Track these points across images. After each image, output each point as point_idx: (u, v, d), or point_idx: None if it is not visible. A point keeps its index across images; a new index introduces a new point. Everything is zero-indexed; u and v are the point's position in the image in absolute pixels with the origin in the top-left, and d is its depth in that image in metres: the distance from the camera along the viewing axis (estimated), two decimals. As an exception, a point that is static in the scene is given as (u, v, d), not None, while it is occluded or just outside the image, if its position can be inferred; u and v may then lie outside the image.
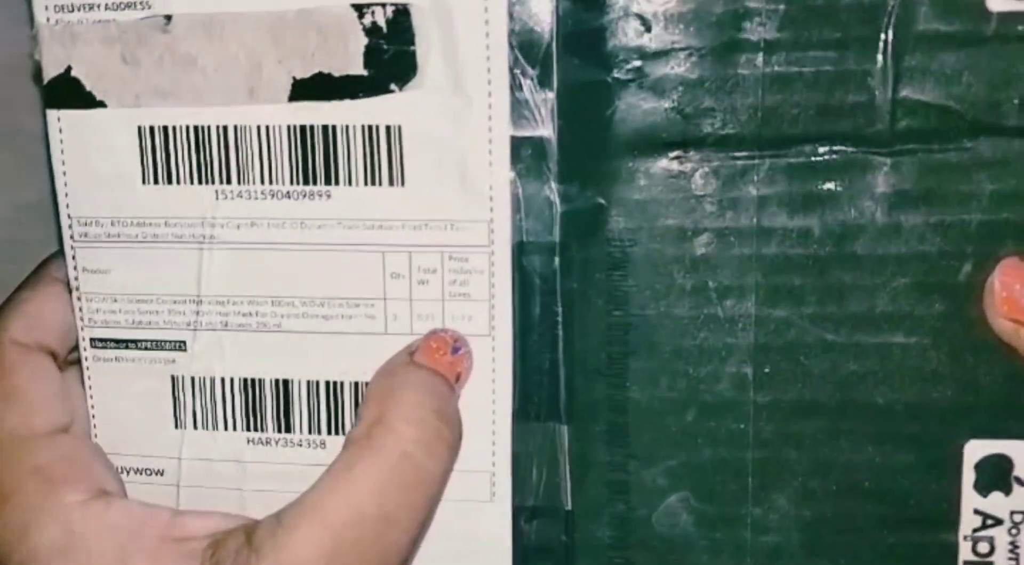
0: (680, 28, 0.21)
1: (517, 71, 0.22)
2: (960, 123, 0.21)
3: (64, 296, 0.25)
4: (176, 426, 0.25)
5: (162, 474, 0.25)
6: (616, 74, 0.22)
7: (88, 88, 0.23)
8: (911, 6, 0.21)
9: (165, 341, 0.24)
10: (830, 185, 0.22)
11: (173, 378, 0.24)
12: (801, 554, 0.23)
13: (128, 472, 0.25)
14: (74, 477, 0.24)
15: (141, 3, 0.22)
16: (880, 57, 0.21)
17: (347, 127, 0.22)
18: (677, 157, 0.22)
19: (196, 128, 0.23)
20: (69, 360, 0.25)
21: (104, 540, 0.23)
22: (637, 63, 0.22)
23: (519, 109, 0.22)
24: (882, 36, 0.21)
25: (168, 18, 0.22)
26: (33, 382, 0.24)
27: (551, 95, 0.22)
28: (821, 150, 0.22)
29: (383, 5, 0.22)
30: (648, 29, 0.21)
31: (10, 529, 0.23)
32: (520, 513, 0.24)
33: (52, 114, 0.23)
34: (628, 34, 0.22)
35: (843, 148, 0.21)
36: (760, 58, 0.21)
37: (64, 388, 0.25)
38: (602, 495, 0.24)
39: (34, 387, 0.24)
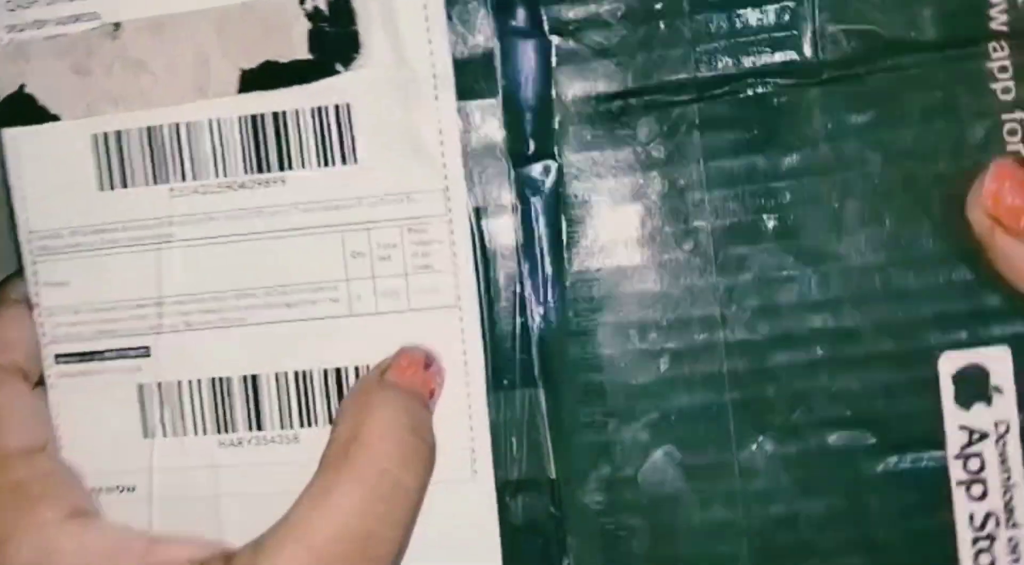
0: (599, 4, 0.23)
1: (458, 41, 0.23)
2: (881, 44, 0.22)
3: (27, 316, 0.24)
4: (145, 436, 0.24)
5: (133, 490, 0.24)
6: (554, 35, 0.23)
7: (41, 103, 0.24)
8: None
9: (129, 349, 0.24)
10: (769, 119, 0.22)
11: (139, 386, 0.24)
12: (793, 494, 0.23)
13: (100, 491, 0.24)
14: (50, 496, 0.23)
15: (89, 14, 0.23)
16: (798, -8, 0.22)
17: (296, 111, 0.23)
18: (620, 109, 0.23)
19: (149, 129, 0.23)
20: (40, 380, 0.25)
21: (79, 562, 0.22)
22: (573, 21, 0.23)
23: (463, 78, 0.23)
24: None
25: (117, 25, 0.23)
26: (6, 402, 0.24)
27: (494, 62, 0.23)
28: (756, 87, 0.22)
29: (323, -11, 0.23)
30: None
31: None
32: (505, 488, 0.23)
33: (7, 133, 0.24)
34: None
35: (776, 81, 0.22)
36: (686, 4, 0.22)
37: (38, 407, 0.24)
38: (585, 459, 0.23)
39: (7, 407, 0.24)
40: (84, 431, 0.24)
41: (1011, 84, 0.22)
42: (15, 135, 0.24)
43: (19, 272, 0.25)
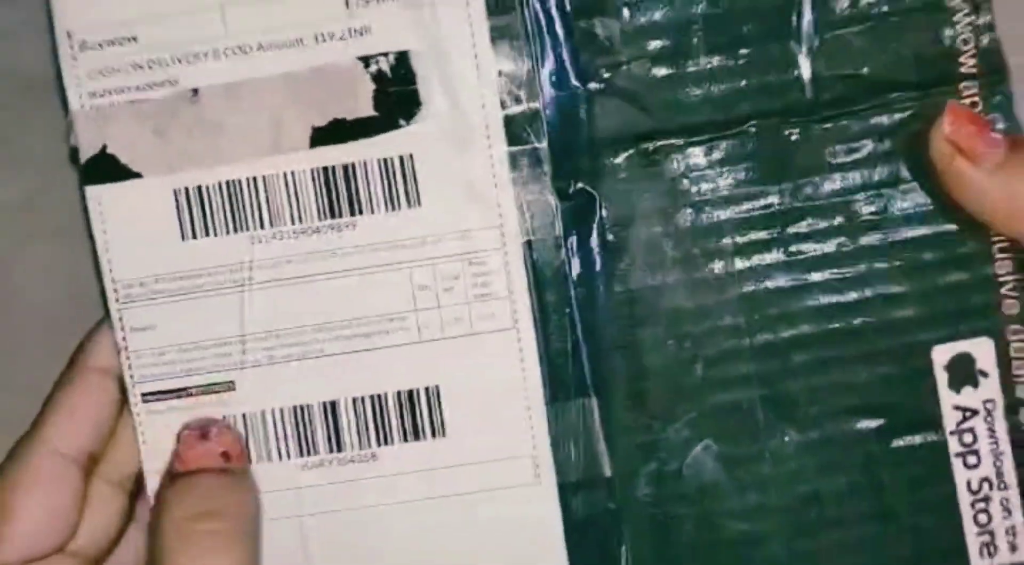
0: (635, 42, 0.26)
1: (507, 96, 0.26)
2: (868, 85, 0.26)
3: (105, 386, 0.26)
4: (233, 465, 0.26)
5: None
6: (590, 86, 0.26)
7: (124, 162, 0.26)
8: (813, 4, 0.26)
9: (214, 384, 0.26)
10: (779, 152, 0.26)
11: (224, 419, 0.26)
12: (817, 476, 0.26)
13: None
14: None
15: (169, 81, 0.26)
16: (797, 45, 0.26)
17: (364, 162, 0.26)
18: (649, 148, 0.26)
19: (228, 183, 0.26)
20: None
21: None
22: (605, 75, 0.26)
23: (512, 127, 0.26)
24: (796, 27, 0.26)
25: (195, 91, 0.26)
26: (38, 503, 0.25)
27: (538, 112, 0.26)
28: (766, 124, 0.26)
29: (385, 54, 0.25)
30: (611, 46, 0.26)
31: None
32: (565, 490, 0.26)
33: (91, 190, 0.26)
34: (594, 52, 0.26)
35: (783, 119, 0.26)
36: (703, 58, 0.26)
37: (74, 507, 0.25)
38: (636, 458, 0.26)
39: (33, 509, 0.25)
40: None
41: (979, 111, 0.26)
42: (99, 192, 0.26)
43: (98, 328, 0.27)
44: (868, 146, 0.26)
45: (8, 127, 0.30)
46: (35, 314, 0.30)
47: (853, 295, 0.26)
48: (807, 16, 0.26)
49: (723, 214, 0.26)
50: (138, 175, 0.26)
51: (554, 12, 0.26)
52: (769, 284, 0.26)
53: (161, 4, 0.25)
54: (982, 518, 0.26)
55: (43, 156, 0.29)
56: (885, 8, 0.26)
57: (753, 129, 0.26)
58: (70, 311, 0.28)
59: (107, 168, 0.26)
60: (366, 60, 0.25)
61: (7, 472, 0.25)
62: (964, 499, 0.26)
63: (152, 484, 0.26)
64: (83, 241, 0.26)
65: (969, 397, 0.26)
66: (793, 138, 0.26)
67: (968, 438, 0.26)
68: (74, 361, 0.27)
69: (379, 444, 0.26)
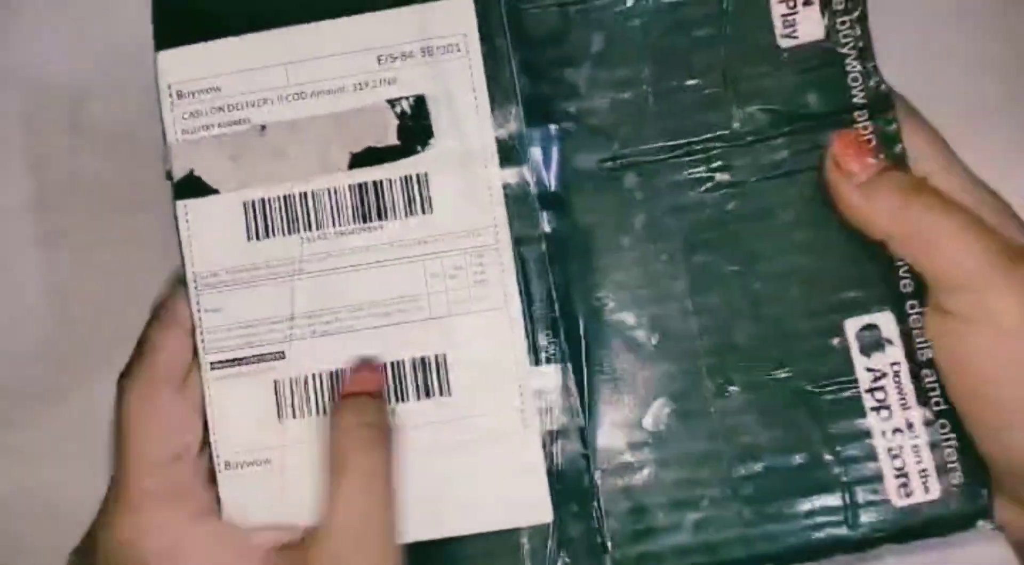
0: (597, 89, 0.34)
1: (499, 127, 0.33)
2: (782, 117, 0.33)
3: (184, 334, 0.33)
4: (279, 419, 0.33)
5: (269, 462, 0.32)
6: (562, 122, 0.34)
7: (206, 182, 0.34)
8: (735, 54, 0.33)
9: (267, 354, 0.33)
10: (708, 170, 0.33)
11: (275, 382, 0.33)
12: (756, 427, 0.32)
13: (241, 466, 0.32)
14: (185, 497, 0.31)
15: (243, 120, 0.34)
16: (723, 85, 0.33)
17: (390, 180, 0.33)
18: (609, 167, 0.33)
19: (285, 196, 0.33)
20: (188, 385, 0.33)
21: (212, 550, 0.31)
22: (573, 111, 0.34)
23: (503, 151, 0.33)
24: (723, 74, 0.33)
25: (263, 127, 0.34)
26: (158, 410, 0.32)
27: (523, 139, 0.33)
28: (701, 149, 0.33)
29: (407, 98, 0.33)
30: (578, 89, 0.34)
31: (128, 537, 0.30)
32: (547, 436, 0.32)
33: (180, 203, 0.33)
34: (566, 95, 0.34)
35: (714, 145, 0.33)
36: (651, 97, 0.33)
37: (186, 414, 0.32)
38: (605, 411, 0.32)
39: (158, 416, 0.32)
40: (232, 419, 0.33)
41: (870, 136, 0.33)
42: (186, 204, 0.33)
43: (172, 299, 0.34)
44: (785, 165, 0.33)
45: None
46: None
47: (781, 283, 0.32)
48: (727, 66, 0.33)
49: (669, 218, 0.33)
50: (216, 191, 0.33)
51: (532, 65, 0.34)
52: (709, 276, 0.33)
53: (240, 63, 0.34)
54: (897, 463, 0.32)
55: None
56: (791, 57, 0.33)
57: (691, 153, 0.33)
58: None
59: (193, 186, 0.33)
60: (392, 102, 0.33)
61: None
62: (880, 443, 0.32)
63: (215, 445, 0.32)
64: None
65: (878, 361, 0.32)
66: (721, 159, 0.33)
67: (880, 395, 0.32)
68: (158, 312, 0.33)
69: (398, 401, 0.32)
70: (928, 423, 0.32)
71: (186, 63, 0.34)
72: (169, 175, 0.34)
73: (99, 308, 0.42)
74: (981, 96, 0.41)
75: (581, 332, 0.33)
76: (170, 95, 0.34)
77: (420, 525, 0.32)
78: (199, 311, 0.33)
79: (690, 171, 0.33)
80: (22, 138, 0.43)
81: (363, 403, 0.32)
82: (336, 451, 0.31)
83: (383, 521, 0.30)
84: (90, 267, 0.42)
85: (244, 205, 0.33)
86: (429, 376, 0.33)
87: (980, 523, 0.31)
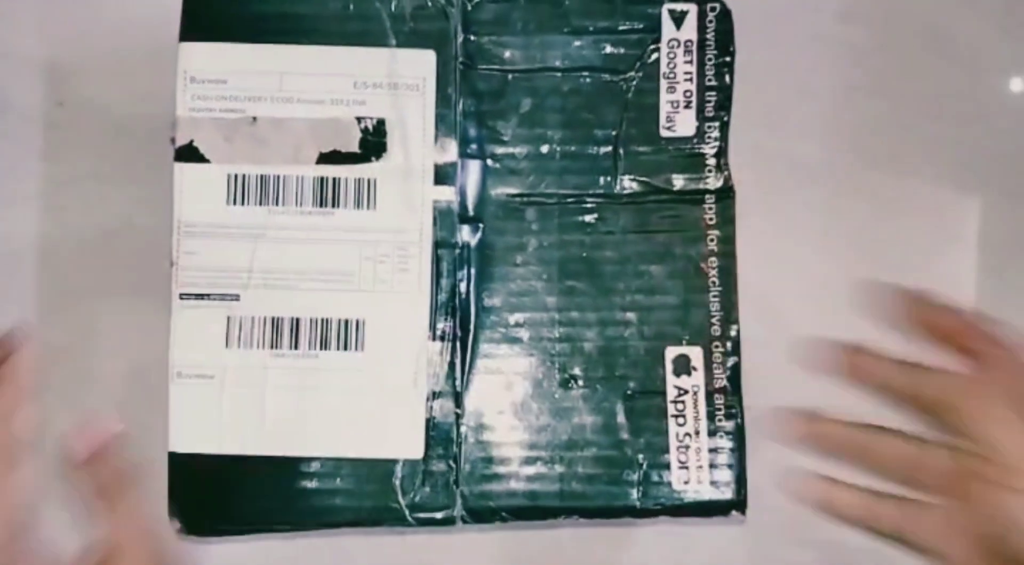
0: (518, 140, 0.44)
1: (438, 153, 0.43)
2: (652, 188, 0.44)
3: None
4: (226, 346, 0.42)
5: (212, 377, 0.41)
6: (488, 161, 0.43)
7: (202, 152, 0.42)
8: (627, 135, 0.44)
9: (226, 294, 0.42)
10: (590, 217, 0.43)
11: (228, 318, 0.42)
12: (586, 414, 0.42)
13: (190, 377, 0.41)
14: None
15: (239, 110, 0.42)
16: (614, 156, 0.44)
17: (346, 179, 0.42)
18: (518, 202, 0.43)
19: (262, 175, 0.42)
20: None
21: None
22: (499, 152, 0.43)
23: (439, 173, 0.43)
24: (614, 146, 0.44)
25: (254, 118, 0.42)
26: None
27: (455, 167, 0.43)
28: (589, 201, 0.43)
29: (371, 118, 0.43)
30: (503, 139, 0.43)
31: None
32: (430, 395, 0.42)
33: (178, 165, 0.42)
34: (494, 140, 0.44)
35: (598, 200, 0.44)
36: (558, 154, 0.44)
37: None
38: (478, 383, 0.42)
39: None
40: (189, 341, 0.42)
41: (712, 219, 0.44)
42: (183, 167, 0.42)
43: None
44: (647, 226, 0.44)
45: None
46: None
47: (622, 308, 0.43)
48: (623, 143, 0.44)
49: (552, 247, 0.43)
50: (208, 161, 0.42)
51: (472, 112, 0.43)
52: (575, 293, 0.43)
53: (245, 65, 0.42)
54: (682, 458, 0.43)
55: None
56: (668, 145, 0.44)
57: (582, 202, 0.44)
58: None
59: (191, 154, 0.42)
60: (359, 119, 0.43)
61: None
62: (673, 443, 0.43)
63: (172, 359, 0.41)
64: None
65: (684, 382, 0.43)
66: (601, 210, 0.44)
67: (680, 406, 0.43)
68: None
69: (322, 349, 0.42)
70: (711, 434, 0.43)
71: (202, 57, 0.43)
72: (173, 141, 0.42)
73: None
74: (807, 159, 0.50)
75: (471, 321, 0.43)
76: (185, 79, 0.42)
77: (322, 444, 0.42)
78: (177, 252, 0.42)
79: (576, 216, 0.44)
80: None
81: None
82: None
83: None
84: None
85: (228, 176, 0.42)
86: (349, 334, 0.42)
87: (733, 512, 0.43)
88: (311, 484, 0.42)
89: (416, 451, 0.42)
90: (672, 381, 0.43)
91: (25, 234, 0.44)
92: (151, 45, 0.43)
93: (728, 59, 0.44)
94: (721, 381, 0.43)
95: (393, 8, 0.43)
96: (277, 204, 0.42)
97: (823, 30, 0.47)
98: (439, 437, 0.42)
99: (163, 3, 0.43)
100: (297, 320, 0.42)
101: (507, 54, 0.44)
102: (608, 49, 0.44)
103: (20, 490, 0.31)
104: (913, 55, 0.47)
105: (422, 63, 0.43)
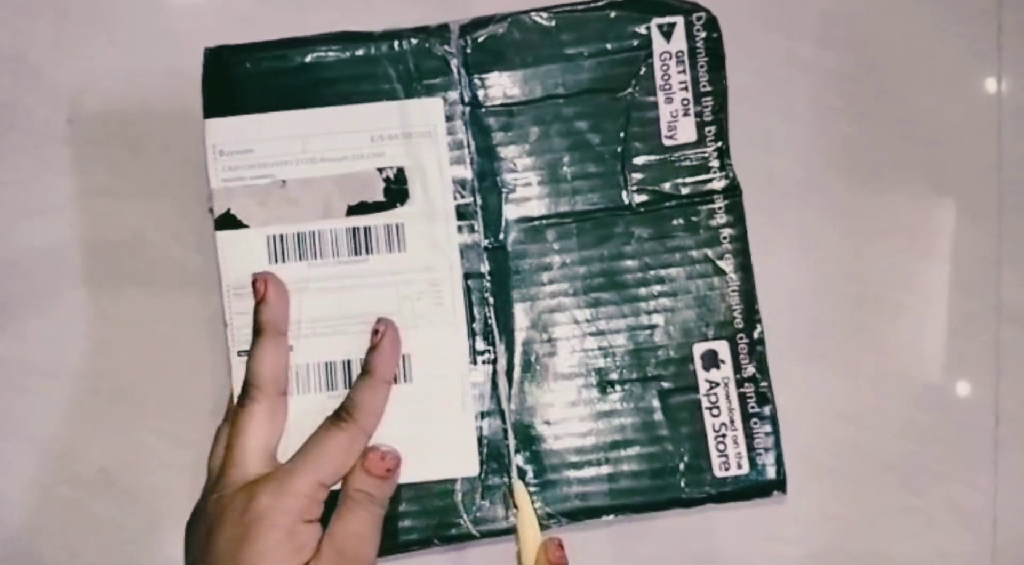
0: (531, 168, 0.46)
1: (457, 195, 0.46)
2: (660, 195, 0.46)
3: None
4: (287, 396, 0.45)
5: (278, 425, 0.45)
6: (504, 191, 0.46)
7: (239, 219, 0.46)
8: (631, 149, 0.46)
9: (280, 347, 0.45)
10: (607, 231, 0.46)
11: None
12: (626, 416, 0.45)
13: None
14: None
15: (269, 176, 0.46)
16: (621, 171, 0.46)
17: (376, 226, 0.46)
18: (536, 224, 0.46)
19: (298, 233, 0.46)
20: None
21: None
22: (513, 183, 0.46)
23: (460, 212, 0.46)
24: (622, 166, 0.46)
25: (284, 182, 0.46)
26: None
27: (475, 204, 0.46)
28: (604, 215, 0.46)
29: (391, 168, 0.46)
30: (516, 169, 0.46)
31: None
32: (477, 416, 0.45)
33: (219, 234, 0.46)
34: (508, 171, 0.46)
35: (613, 213, 0.46)
36: (569, 175, 0.46)
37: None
38: (521, 400, 0.45)
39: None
40: (252, 393, 0.45)
41: (723, 217, 0.46)
42: (224, 235, 0.46)
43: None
44: (661, 233, 0.46)
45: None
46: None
47: (652, 317, 0.46)
48: (627, 157, 0.46)
49: (570, 259, 0.46)
50: (246, 226, 0.46)
51: (483, 148, 0.46)
52: (603, 305, 0.46)
53: (268, 133, 0.46)
54: (721, 446, 0.45)
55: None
56: (672, 152, 0.46)
57: (591, 217, 0.46)
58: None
59: (229, 221, 0.46)
60: (380, 170, 0.46)
61: None
62: (711, 435, 0.45)
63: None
64: (211, 263, 0.46)
65: (715, 375, 0.46)
66: (609, 222, 0.46)
67: (713, 398, 0.45)
68: None
69: (373, 387, 0.45)
70: (745, 420, 0.45)
71: (227, 131, 0.46)
72: (211, 211, 0.46)
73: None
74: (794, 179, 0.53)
75: (507, 342, 0.46)
76: (214, 153, 0.46)
77: (386, 475, 0.45)
78: (230, 313, 0.46)
79: (594, 231, 0.46)
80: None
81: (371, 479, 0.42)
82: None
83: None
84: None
85: (267, 238, 0.46)
86: (397, 369, 0.45)
87: (775, 493, 0.45)
88: (380, 511, 0.45)
89: (472, 469, 0.45)
90: (703, 376, 0.46)
91: (41, 244, 0.49)
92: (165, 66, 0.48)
93: (720, 63, 0.46)
94: (750, 370, 0.45)
95: (399, 64, 0.46)
96: (316, 258, 0.46)
97: (802, 55, 0.50)
98: (492, 453, 0.45)
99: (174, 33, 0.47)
100: (348, 362, 0.45)
101: (509, 90, 0.46)
102: (604, 70, 0.47)
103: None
104: (888, 79, 0.50)
105: (431, 111, 0.46)
